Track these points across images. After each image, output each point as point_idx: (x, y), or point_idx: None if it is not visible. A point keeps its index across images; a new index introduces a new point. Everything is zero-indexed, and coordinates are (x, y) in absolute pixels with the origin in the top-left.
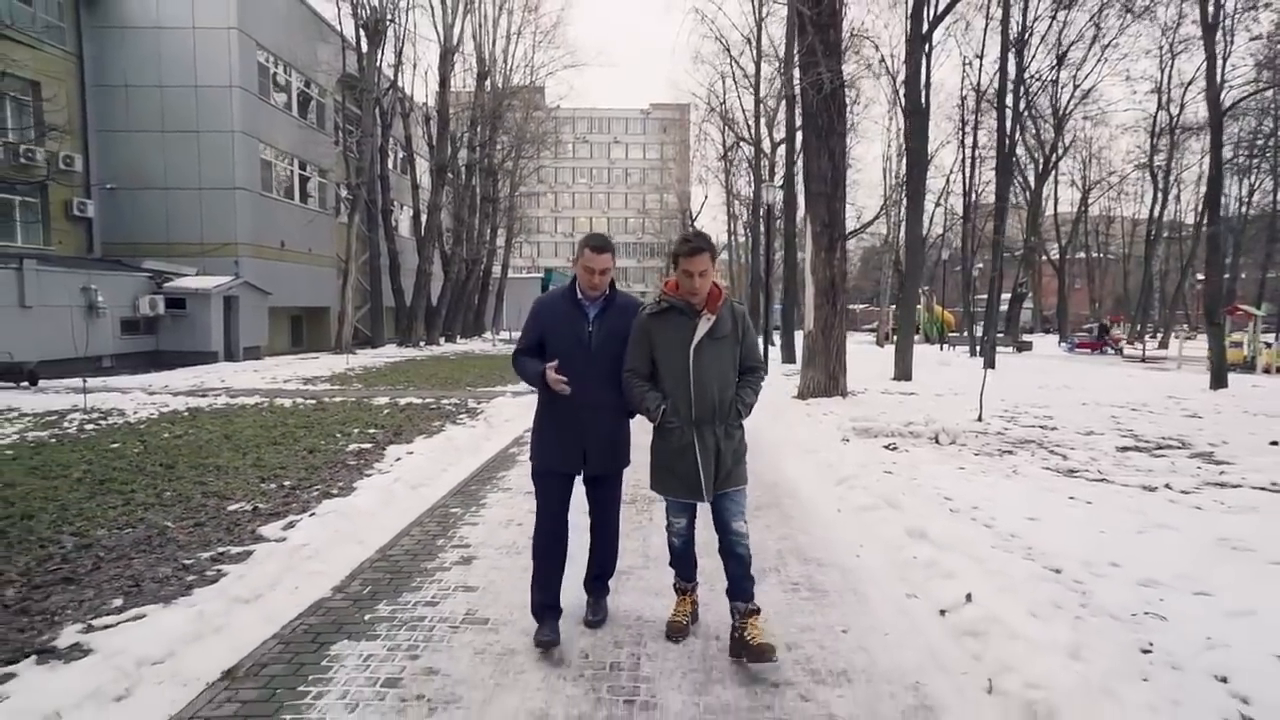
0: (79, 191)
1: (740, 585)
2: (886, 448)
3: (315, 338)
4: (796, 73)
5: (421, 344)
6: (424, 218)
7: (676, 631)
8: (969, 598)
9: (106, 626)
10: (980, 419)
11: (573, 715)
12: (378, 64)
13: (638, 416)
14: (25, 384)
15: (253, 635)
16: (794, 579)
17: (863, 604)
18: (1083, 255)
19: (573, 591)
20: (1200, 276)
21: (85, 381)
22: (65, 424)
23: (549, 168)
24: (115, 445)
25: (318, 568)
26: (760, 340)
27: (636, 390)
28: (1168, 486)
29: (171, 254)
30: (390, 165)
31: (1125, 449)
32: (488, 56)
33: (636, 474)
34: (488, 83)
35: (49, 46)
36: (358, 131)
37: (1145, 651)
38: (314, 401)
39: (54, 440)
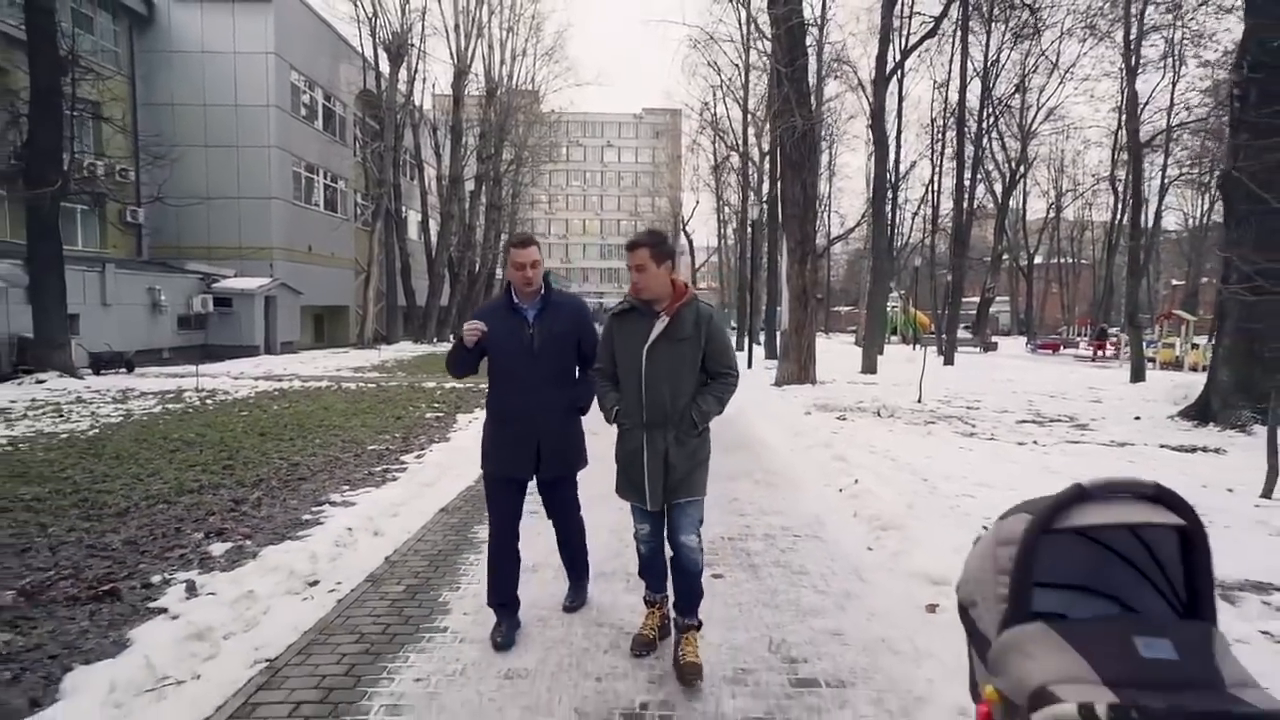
0: (130, 200)
1: (683, 600)
2: (837, 418)
3: (335, 334)
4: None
5: (435, 340)
6: (434, 225)
7: (640, 645)
8: (856, 480)
9: (355, 493)
10: (920, 401)
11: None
12: (397, 82)
13: (589, 416)
14: (123, 370)
15: (442, 498)
16: (757, 479)
17: (796, 489)
18: (1055, 261)
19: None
20: (1175, 282)
21: (198, 368)
22: (187, 399)
23: (544, 173)
24: (244, 414)
25: (458, 473)
26: (736, 339)
27: (599, 390)
28: (1035, 443)
29: (212, 257)
30: (402, 173)
31: (1024, 422)
32: (495, 75)
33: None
34: (494, 98)
35: (107, 70)
36: (376, 144)
37: (952, 509)
38: (374, 385)
39: (191, 411)
